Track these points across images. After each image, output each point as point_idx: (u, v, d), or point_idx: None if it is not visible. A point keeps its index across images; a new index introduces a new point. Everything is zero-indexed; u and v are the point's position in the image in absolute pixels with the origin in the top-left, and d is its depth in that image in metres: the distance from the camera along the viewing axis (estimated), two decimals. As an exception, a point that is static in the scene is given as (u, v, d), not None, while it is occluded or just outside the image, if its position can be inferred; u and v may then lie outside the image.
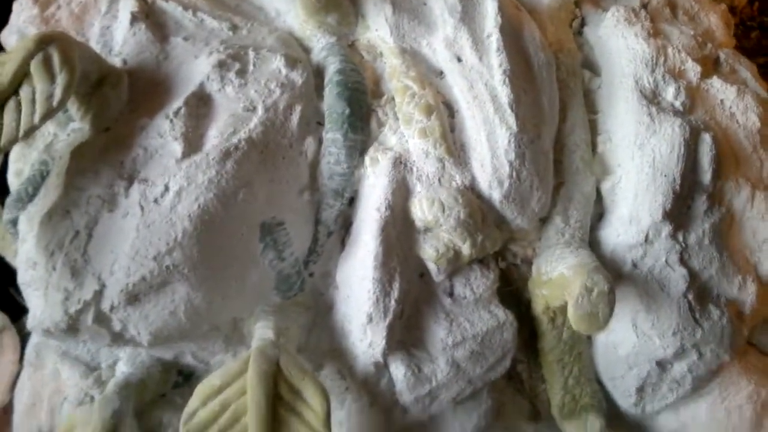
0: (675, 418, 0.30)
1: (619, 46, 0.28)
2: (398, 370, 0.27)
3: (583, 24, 0.31)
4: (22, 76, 0.27)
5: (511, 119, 0.26)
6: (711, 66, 0.29)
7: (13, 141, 0.26)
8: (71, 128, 0.29)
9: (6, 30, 0.38)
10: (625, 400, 0.30)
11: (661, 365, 0.28)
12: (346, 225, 0.29)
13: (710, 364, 0.28)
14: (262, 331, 0.28)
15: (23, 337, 0.41)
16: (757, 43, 0.65)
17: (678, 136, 0.25)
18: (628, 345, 0.28)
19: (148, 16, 0.31)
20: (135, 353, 0.33)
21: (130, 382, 0.32)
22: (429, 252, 0.26)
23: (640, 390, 0.29)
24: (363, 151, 0.27)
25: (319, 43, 0.29)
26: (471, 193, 0.26)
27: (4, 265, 0.38)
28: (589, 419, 0.29)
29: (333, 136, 0.27)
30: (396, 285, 0.26)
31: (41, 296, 0.29)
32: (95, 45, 0.31)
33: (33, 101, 0.25)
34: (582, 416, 0.30)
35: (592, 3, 0.31)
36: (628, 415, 0.31)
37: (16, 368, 0.39)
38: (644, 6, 0.30)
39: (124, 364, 0.33)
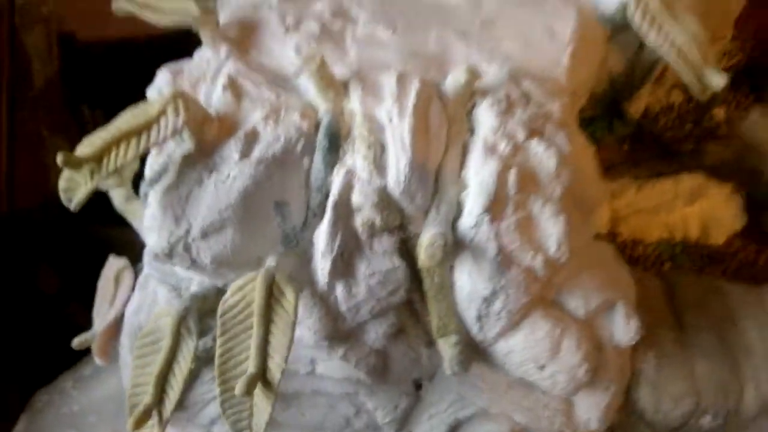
0: (505, 345, 0.49)
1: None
2: (338, 289, 0.48)
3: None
4: (162, 112, 0.51)
5: (409, 152, 0.47)
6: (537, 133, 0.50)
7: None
8: (183, 144, 0.53)
9: (150, 89, 0.64)
10: (472, 327, 0.49)
11: (486, 301, 0.47)
12: (322, 209, 0.51)
13: (515, 303, 0.47)
14: (269, 261, 0.50)
15: (136, 272, 0.65)
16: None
17: (495, 171, 0.47)
18: (467, 288, 0.47)
19: (232, 86, 0.56)
20: (201, 280, 0.56)
21: (196, 294, 0.55)
22: (358, 222, 0.47)
23: (479, 319, 0.48)
24: (333, 165, 0.50)
25: (322, 106, 0.53)
26: (384, 190, 0.48)
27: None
28: (451, 336, 0.49)
29: (318, 157, 0.50)
30: (338, 238, 0.47)
31: (155, 234, 0.52)
32: (202, 101, 0.55)
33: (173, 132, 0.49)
34: (449, 335, 0.49)
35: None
36: (479, 342, 0.50)
37: (130, 292, 0.63)
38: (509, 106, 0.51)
39: (194, 286, 0.56)
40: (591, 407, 0.53)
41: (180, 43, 0.63)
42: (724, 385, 0.55)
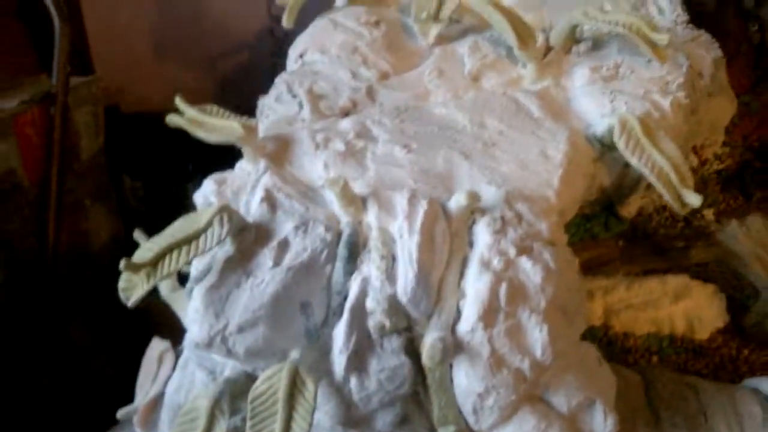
0: (498, 435, 0.57)
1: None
2: (352, 381, 0.56)
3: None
4: (210, 224, 0.60)
5: (416, 266, 0.56)
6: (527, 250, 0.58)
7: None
8: (225, 249, 0.62)
9: (197, 194, 0.73)
10: (469, 419, 0.56)
11: (480, 397, 0.55)
12: (341, 311, 0.59)
13: (506, 399, 0.54)
14: (293, 354, 0.58)
15: (177, 354, 0.73)
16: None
17: (489, 284, 0.55)
18: (464, 384, 0.55)
19: (268, 198, 0.65)
20: (235, 365, 0.64)
21: (229, 379, 0.63)
22: (371, 324, 0.56)
23: (474, 412, 0.55)
24: (351, 273, 0.58)
25: (344, 220, 0.62)
26: (393, 298, 0.56)
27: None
28: (450, 426, 0.56)
29: (338, 264, 0.58)
30: (353, 337, 0.56)
31: (197, 326, 0.60)
32: (242, 210, 0.65)
33: (218, 241, 0.58)
34: (448, 425, 0.56)
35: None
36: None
37: (171, 371, 0.71)
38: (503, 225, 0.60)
39: (228, 370, 0.64)
40: (574, 496, 0.59)
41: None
42: (695, 478, 0.61)
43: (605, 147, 0.75)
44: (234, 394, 0.60)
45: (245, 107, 0.78)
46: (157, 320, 0.76)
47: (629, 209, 0.86)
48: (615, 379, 0.63)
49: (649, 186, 0.88)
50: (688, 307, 0.78)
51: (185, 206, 0.68)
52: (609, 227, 0.90)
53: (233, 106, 0.80)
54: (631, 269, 0.87)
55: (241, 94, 0.84)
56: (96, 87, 1.48)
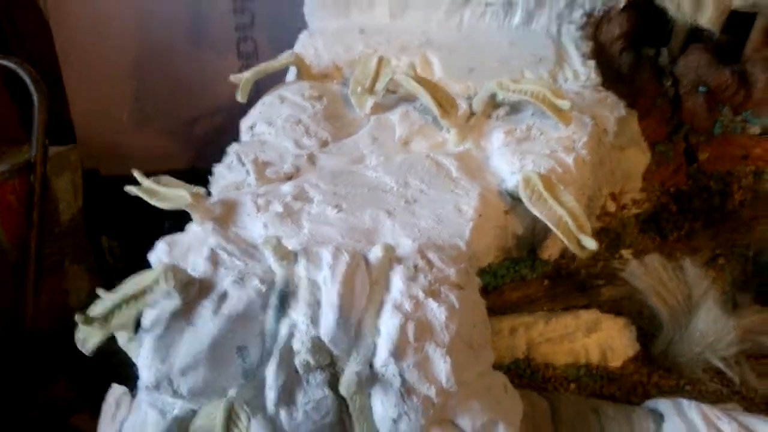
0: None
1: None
2: (282, 413, 0.64)
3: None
4: (156, 281, 0.69)
5: (337, 310, 0.65)
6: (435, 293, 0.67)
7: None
8: (172, 302, 0.71)
9: (151, 255, 0.82)
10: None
11: (394, 422, 0.63)
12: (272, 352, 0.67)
13: (416, 423, 0.62)
14: (231, 392, 0.66)
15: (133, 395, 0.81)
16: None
17: (399, 324, 0.64)
18: (380, 412, 0.63)
19: (212, 256, 0.75)
20: (183, 404, 0.72)
21: (177, 417, 0.71)
22: (297, 362, 0.64)
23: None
24: (281, 319, 0.67)
25: (278, 273, 0.71)
26: (317, 338, 0.65)
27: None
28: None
29: (270, 312, 0.67)
30: (282, 375, 0.64)
31: (147, 370, 0.69)
32: (190, 267, 0.74)
33: (164, 295, 0.67)
34: (369, 449, 0.64)
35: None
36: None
37: (128, 412, 0.78)
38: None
39: (176, 410, 0.72)
40: None
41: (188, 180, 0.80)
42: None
43: (515, 200, 0.85)
44: (182, 430, 0.68)
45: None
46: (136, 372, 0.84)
47: (549, 252, 0.96)
48: (521, 405, 0.71)
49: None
50: (601, 339, 0.87)
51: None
52: (535, 268, 1.00)
53: (210, 166, 0.90)
54: (554, 306, 0.97)
55: (218, 156, 0.93)
56: (75, 155, 1.59)
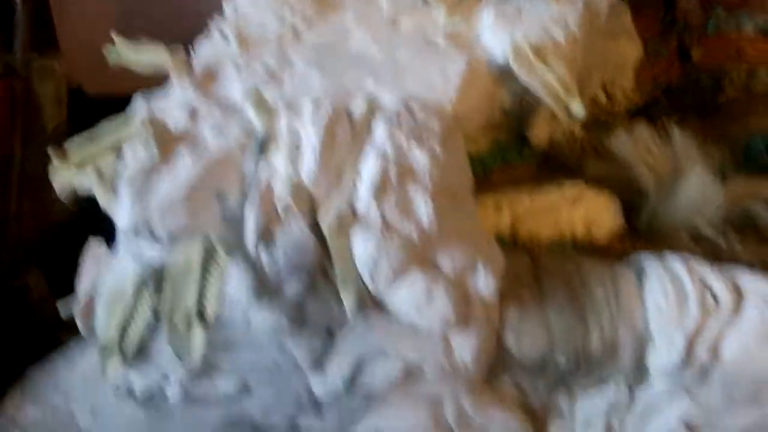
0: (394, 295, 0.65)
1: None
2: (263, 254, 0.64)
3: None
4: (137, 130, 0.68)
5: (318, 154, 0.64)
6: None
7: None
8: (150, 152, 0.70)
9: (129, 111, 0.81)
10: (367, 281, 0.63)
11: (374, 260, 0.63)
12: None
13: (396, 261, 0.62)
14: (211, 234, 0.66)
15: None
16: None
17: (381, 167, 0.63)
18: (360, 250, 0.63)
19: (191, 109, 0.73)
20: (160, 256, 0.71)
21: (153, 266, 0.70)
22: (278, 203, 0.64)
23: (371, 275, 0.63)
24: (261, 162, 0.66)
25: (257, 123, 0.70)
26: (299, 181, 0.64)
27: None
28: (350, 286, 0.64)
29: (249, 158, 0.66)
30: (261, 215, 0.64)
31: (124, 213, 0.68)
32: (170, 122, 0.73)
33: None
34: (348, 286, 0.64)
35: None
36: (374, 293, 0.64)
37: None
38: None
39: (154, 262, 0.72)
40: (465, 348, 0.66)
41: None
42: (573, 331, 0.69)
43: (504, 71, 0.84)
44: (158, 279, 0.67)
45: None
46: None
47: (539, 136, 0.95)
48: (503, 256, 0.71)
49: (555, 116, 0.97)
50: (585, 212, 0.86)
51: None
52: (523, 155, 0.99)
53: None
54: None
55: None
56: (58, 63, 1.55)
